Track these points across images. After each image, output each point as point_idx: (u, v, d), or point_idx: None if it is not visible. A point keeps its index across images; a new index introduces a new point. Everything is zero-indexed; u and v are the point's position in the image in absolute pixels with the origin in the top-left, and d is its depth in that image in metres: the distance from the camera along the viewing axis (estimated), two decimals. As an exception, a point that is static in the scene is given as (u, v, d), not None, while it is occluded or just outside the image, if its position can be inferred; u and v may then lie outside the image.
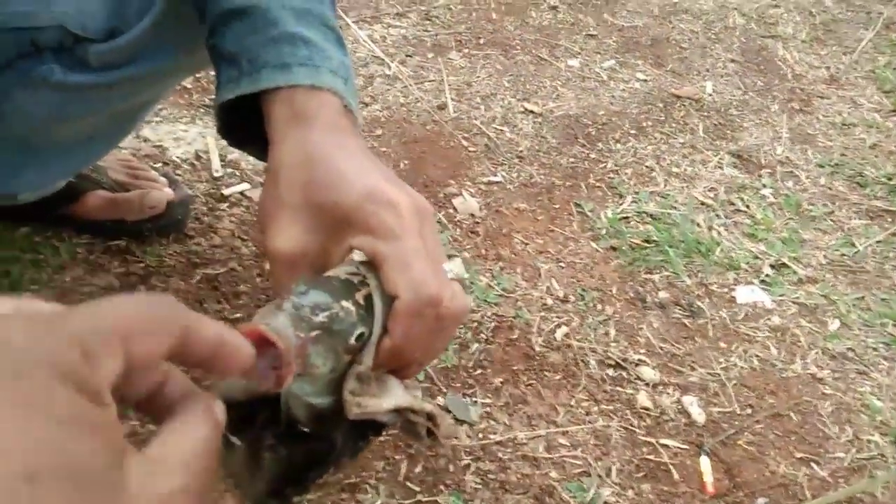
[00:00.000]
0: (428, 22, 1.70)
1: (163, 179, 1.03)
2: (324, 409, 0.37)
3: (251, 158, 1.07)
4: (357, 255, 0.43)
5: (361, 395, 0.37)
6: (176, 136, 1.19)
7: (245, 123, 0.56)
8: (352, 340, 0.38)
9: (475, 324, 0.99)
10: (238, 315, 0.93)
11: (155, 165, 1.12)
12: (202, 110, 1.26)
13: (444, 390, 0.90)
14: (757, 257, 1.22)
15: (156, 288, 0.93)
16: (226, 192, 1.11)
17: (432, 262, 0.43)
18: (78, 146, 0.83)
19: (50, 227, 0.98)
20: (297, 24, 0.53)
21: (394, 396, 0.39)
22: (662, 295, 1.11)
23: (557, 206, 1.25)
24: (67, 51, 0.66)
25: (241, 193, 1.12)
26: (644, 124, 1.50)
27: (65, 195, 0.95)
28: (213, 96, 1.31)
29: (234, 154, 1.17)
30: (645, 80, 1.65)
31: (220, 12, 0.56)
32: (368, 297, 0.41)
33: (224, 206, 1.09)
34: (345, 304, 0.39)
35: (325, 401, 0.37)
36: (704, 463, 0.87)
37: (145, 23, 0.65)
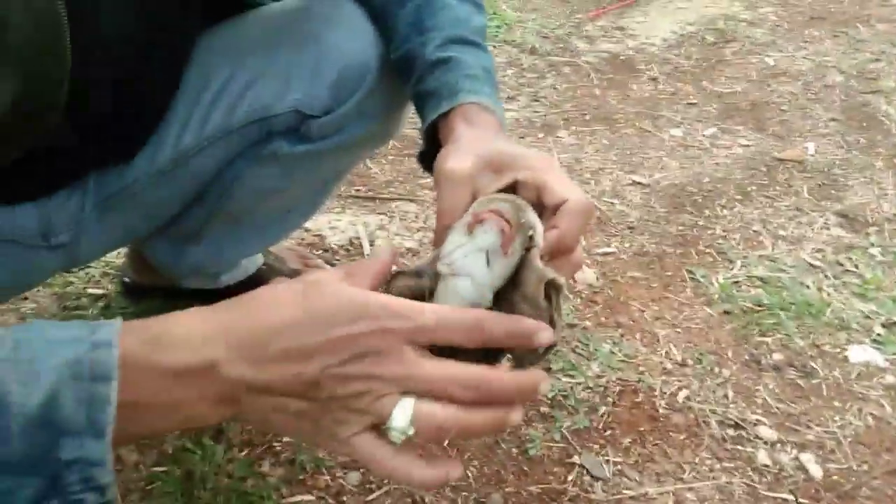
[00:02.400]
0: (536, 103, 1.86)
1: (328, 268, 1.22)
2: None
3: (396, 241, 1.26)
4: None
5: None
6: (331, 225, 1.38)
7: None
8: (531, 235, 0.51)
9: (602, 388, 1.11)
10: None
11: (316, 252, 1.31)
12: (349, 200, 1.45)
13: (579, 450, 1.02)
14: (868, 317, 1.28)
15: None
16: (376, 274, 1.28)
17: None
18: (276, 220, 1.01)
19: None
20: (478, 68, 0.72)
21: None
22: (776, 357, 1.19)
23: (670, 274, 1.35)
24: (293, 129, 0.84)
25: (389, 275, 1.29)
26: (749, 189, 1.59)
27: (254, 283, 1.14)
28: (357, 188, 1.51)
29: (379, 241, 1.35)
30: (747, 146, 1.74)
31: (428, 63, 0.73)
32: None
33: (375, 286, 1.27)
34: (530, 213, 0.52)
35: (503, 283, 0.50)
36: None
37: (358, 96, 0.83)
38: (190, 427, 0.51)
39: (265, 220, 0.97)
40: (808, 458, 1.03)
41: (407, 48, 0.77)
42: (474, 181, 0.59)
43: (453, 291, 0.49)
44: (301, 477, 0.94)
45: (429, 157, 0.70)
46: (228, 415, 0.46)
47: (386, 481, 0.95)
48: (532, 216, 0.52)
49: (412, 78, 0.75)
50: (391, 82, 0.82)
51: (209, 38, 0.82)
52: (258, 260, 1.15)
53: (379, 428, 0.45)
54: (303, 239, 1.32)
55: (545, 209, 0.56)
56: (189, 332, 0.44)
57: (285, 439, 0.98)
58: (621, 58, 2.08)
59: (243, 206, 0.90)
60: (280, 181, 0.87)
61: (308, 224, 1.37)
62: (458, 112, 0.68)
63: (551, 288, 0.49)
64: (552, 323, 0.49)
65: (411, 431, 0.44)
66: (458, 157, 0.60)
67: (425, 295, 0.51)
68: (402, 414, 0.44)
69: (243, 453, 0.96)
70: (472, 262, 0.49)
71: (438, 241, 0.55)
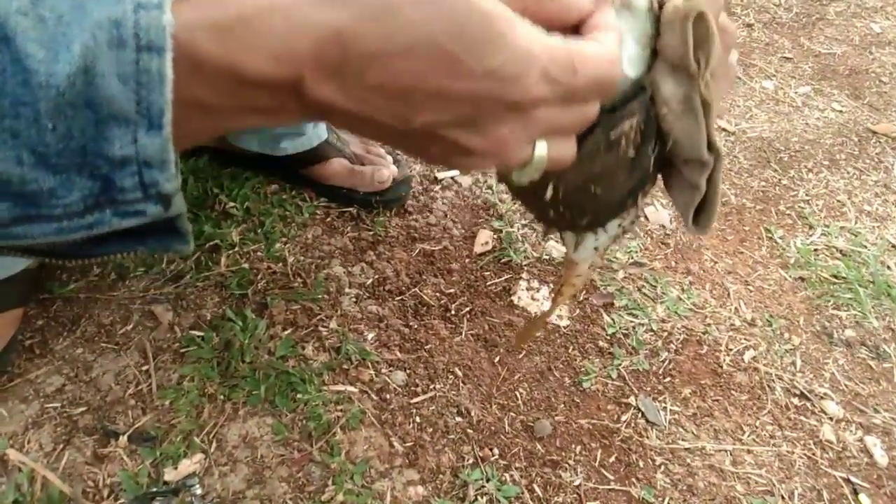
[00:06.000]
0: (625, 28, 1.73)
1: (389, 157, 1.13)
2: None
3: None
4: None
5: None
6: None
7: None
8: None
9: (665, 333, 1.04)
10: (451, 290, 1.02)
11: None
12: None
13: (636, 392, 0.95)
14: (949, 309, 1.20)
15: (382, 255, 1.04)
16: (439, 175, 1.20)
17: None
18: None
19: (295, 186, 1.09)
20: None
21: None
22: (849, 333, 1.12)
23: (747, 229, 1.27)
24: None
25: (452, 178, 1.20)
26: (837, 157, 1.49)
27: (314, 157, 1.06)
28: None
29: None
30: (840, 111, 1.62)
31: None
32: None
33: (437, 188, 1.18)
34: None
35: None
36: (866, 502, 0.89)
37: None
38: (272, 125, 0.40)
39: None
40: (873, 443, 0.97)
41: None
42: None
43: None
44: (345, 367, 0.89)
45: None
46: (318, 121, 0.38)
47: (433, 387, 0.89)
48: None
49: None
50: None
51: None
52: (322, 134, 1.07)
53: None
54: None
55: None
56: (271, 32, 0.31)
57: (332, 325, 0.92)
58: (717, -2, 1.95)
59: None
60: None
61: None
62: None
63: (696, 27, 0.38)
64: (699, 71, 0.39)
65: (543, 170, 0.38)
66: None
67: None
68: (537, 161, 0.37)
69: (286, 332, 0.91)
70: None
71: None
